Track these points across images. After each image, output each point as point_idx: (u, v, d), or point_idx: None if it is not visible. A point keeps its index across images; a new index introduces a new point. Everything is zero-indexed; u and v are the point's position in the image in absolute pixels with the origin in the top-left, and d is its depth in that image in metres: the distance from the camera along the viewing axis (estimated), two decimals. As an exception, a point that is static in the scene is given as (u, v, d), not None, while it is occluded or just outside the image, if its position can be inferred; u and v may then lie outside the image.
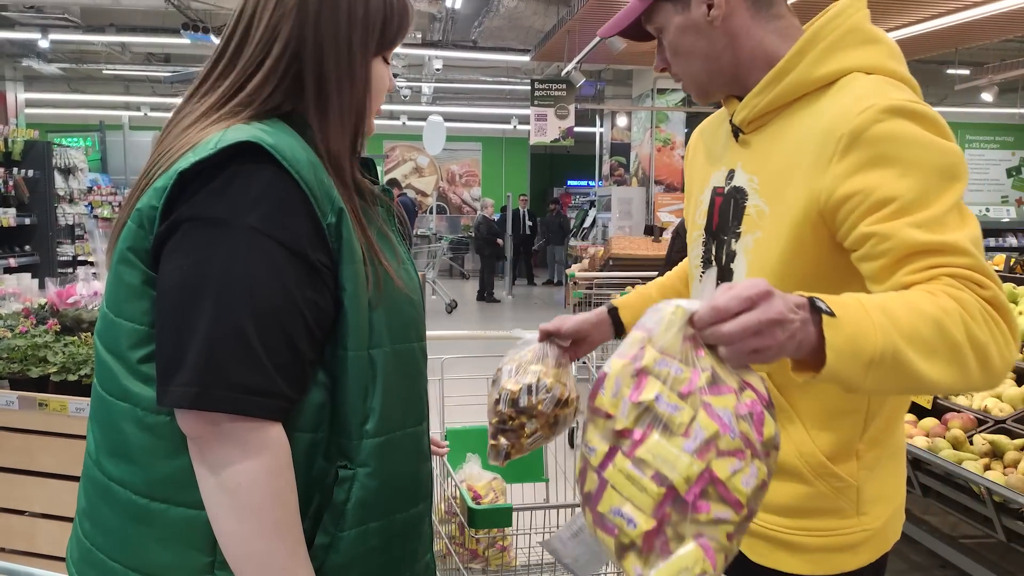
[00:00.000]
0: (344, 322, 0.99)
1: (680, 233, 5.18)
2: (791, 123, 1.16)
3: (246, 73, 1.01)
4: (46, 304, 2.75)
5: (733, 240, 1.22)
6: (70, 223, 8.64)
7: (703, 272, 1.30)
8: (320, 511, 1.00)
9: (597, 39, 7.49)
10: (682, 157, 11.03)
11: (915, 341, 0.91)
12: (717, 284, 0.94)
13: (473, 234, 13.96)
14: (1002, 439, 2.53)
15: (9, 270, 6.61)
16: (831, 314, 0.88)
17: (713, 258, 1.27)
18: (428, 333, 1.19)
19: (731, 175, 1.25)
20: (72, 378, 2.32)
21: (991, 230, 13.42)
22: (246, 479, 0.90)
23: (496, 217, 13.70)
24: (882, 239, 1.01)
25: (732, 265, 1.22)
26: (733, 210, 1.23)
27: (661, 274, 1.65)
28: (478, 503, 1.91)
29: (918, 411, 2.92)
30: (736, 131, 1.25)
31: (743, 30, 1.20)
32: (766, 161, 1.18)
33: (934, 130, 1.06)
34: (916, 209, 1.00)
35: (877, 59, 1.15)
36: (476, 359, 2.54)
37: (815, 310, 0.88)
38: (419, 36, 10.34)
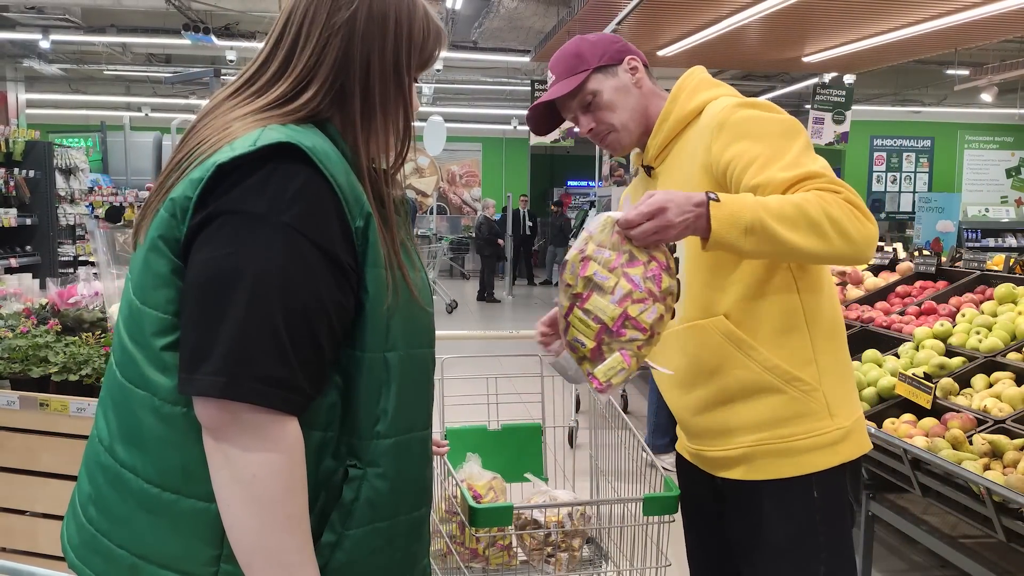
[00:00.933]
0: (363, 324, 1.01)
1: None
2: (682, 144, 1.58)
3: (300, 84, 1.05)
4: (47, 304, 2.76)
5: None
6: (71, 223, 8.64)
7: None
8: (326, 510, 1.01)
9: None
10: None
11: (781, 217, 1.30)
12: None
13: (474, 234, 13.96)
14: (1002, 439, 2.53)
15: (10, 270, 6.61)
16: (717, 200, 1.32)
17: None
18: (428, 333, 1.20)
19: None
20: (73, 378, 2.32)
21: (991, 230, 13.41)
22: (262, 471, 0.91)
23: (497, 217, 13.70)
24: (763, 186, 1.38)
25: (676, 255, 1.53)
26: None
27: None
28: (478, 502, 1.91)
29: (918, 411, 2.93)
30: (648, 170, 1.65)
31: (650, 91, 1.64)
32: (675, 174, 1.57)
33: (770, 111, 1.48)
34: (776, 160, 1.39)
35: (723, 92, 1.58)
36: (476, 359, 2.54)
37: (709, 201, 1.31)
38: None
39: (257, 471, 0.91)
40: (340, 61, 1.05)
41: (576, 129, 1.67)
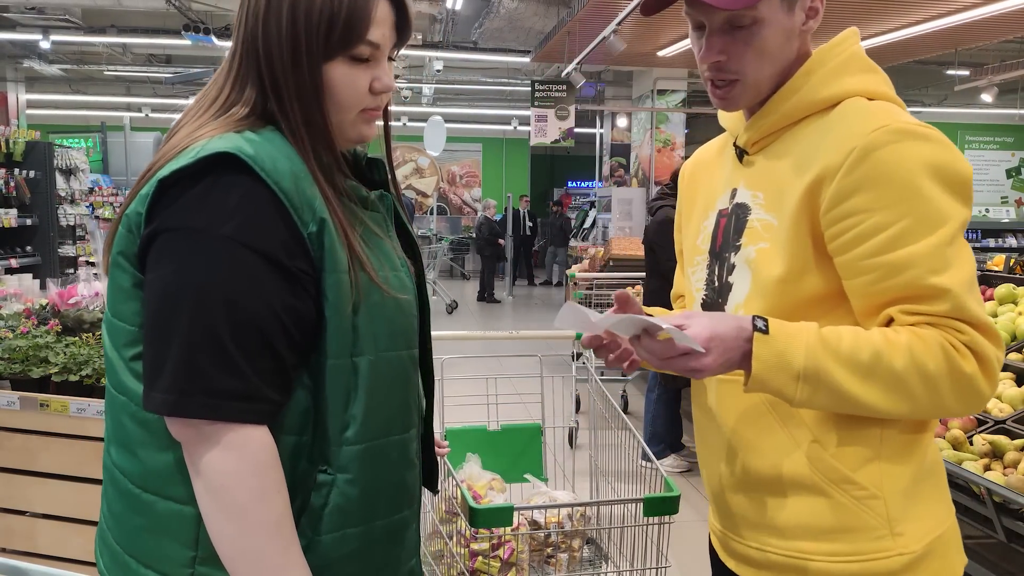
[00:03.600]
0: (326, 330, 0.99)
1: (664, 243, 4.27)
2: (795, 141, 1.17)
3: (237, 86, 1.04)
4: (47, 305, 2.76)
5: (733, 253, 1.22)
6: (71, 224, 8.64)
7: (705, 295, 1.29)
8: (302, 512, 1.01)
9: (597, 40, 7.50)
10: (682, 158, 10.92)
11: (850, 364, 1.01)
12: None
13: (474, 235, 13.96)
14: (1002, 439, 2.53)
15: (10, 271, 6.62)
16: (765, 332, 1.02)
17: (716, 277, 1.26)
18: (428, 333, 1.19)
19: (734, 194, 1.25)
20: (73, 378, 2.32)
21: (991, 230, 13.41)
22: (229, 480, 0.93)
23: (498, 218, 13.71)
24: (871, 280, 1.05)
25: (730, 278, 1.22)
26: (735, 225, 1.22)
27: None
28: (478, 503, 1.91)
29: (918, 411, 2.92)
30: (741, 153, 1.25)
31: (806, 46, 1.21)
32: (771, 177, 1.18)
33: (941, 155, 1.06)
34: (900, 245, 1.03)
35: (876, 86, 1.18)
36: (476, 359, 2.54)
37: (755, 332, 1.02)
38: (420, 37, 10.34)
39: (224, 481, 0.92)
40: (256, 57, 1.02)
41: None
